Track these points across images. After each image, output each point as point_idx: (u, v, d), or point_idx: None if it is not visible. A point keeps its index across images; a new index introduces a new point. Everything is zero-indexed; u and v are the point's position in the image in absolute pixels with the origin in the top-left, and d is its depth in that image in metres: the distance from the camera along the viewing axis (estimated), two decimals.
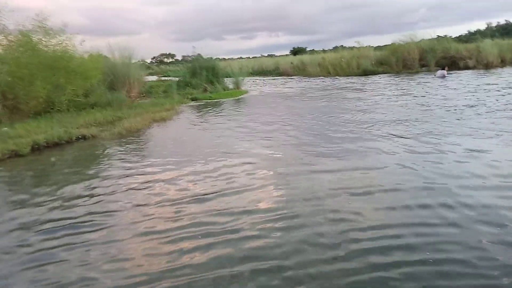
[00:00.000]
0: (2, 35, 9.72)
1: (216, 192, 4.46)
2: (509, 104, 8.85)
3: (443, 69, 18.74)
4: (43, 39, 10.14)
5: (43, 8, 10.20)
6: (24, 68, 9.48)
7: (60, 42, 10.42)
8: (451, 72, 19.48)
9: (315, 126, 8.18)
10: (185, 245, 3.27)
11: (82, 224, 3.82)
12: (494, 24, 53.76)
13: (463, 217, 3.44)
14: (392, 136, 6.62)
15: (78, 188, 4.93)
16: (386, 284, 2.60)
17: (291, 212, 3.80)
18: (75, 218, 3.97)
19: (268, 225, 3.57)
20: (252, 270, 2.84)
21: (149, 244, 3.34)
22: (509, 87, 11.78)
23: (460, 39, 33.77)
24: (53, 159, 6.59)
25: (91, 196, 4.61)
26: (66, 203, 4.40)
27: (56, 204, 4.40)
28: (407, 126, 7.36)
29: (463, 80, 15.46)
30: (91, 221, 3.88)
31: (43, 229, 3.74)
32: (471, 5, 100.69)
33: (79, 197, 4.57)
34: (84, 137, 8.06)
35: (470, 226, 3.29)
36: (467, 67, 21.56)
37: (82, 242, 3.42)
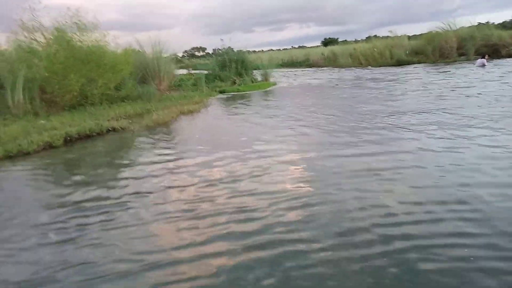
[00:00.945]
0: (39, 32, 10.17)
1: (242, 177, 4.67)
2: None
3: (483, 57, 17.76)
4: (77, 34, 10.52)
5: (80, 6, 10.52)
6: (58, 63, 9.89)
7: (93, 38, 10.78)
8: (491, 60, 18.45)
9: (342, 116, 8.05)
10: (209, 225, 3.45)
11: (113, 206, 4.05)
12: None
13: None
14: (420, 126, 6.38)
15: (109, 175, 5.20)
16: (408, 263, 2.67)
17: (318, 193, 3.99)
18: (108, 201, 4.20)
19: (294, 205, 3.74)
20: (276, 252, 2.94)
21: (176, 224, 3.53)
22: None
23: (504, 25, 31.67)
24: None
25: (122, 181, 4.87)
26: (98, 188, 4.61)
27: (89, 189, 4.62)
28: (437, 116, 7.05)
29: (504, 69, 14.59)
30: (122, 204, 4.11)
31: (76, 211, 3.99)
32: None
33: (110, 183, 4.79)
34: (114, 129, 8.32)
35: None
36: (510, 55, 20.31)
37: (112, 223, 3.66)
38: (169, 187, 4.53)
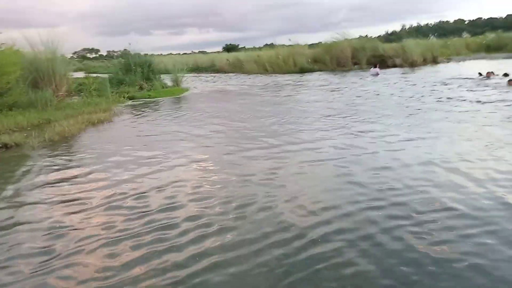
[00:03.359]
0: None
1: (158, 189, 4.40)
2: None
3: (375, 67, 19.64)
4: None
5: None
6: None
7: None
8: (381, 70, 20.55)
9: (259, 123, 8.05)
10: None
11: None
12: (407, 26, 58.75)
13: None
14: (334, 127, 6.56)
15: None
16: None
17: (229, 199, 4.03)
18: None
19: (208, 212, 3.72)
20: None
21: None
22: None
23: (379, 39, 35.92)
24: None
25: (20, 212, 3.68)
26: None
27: None
28: (349, 118, 7.33)
29: (394, 77, 16.34)
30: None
31: None
32: (388, 8, 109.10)
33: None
34: (6, 146, 6.72)
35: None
36: (394, 65, 22.93)
37: None
38: (78, 210, 3.75)
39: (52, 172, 5.27)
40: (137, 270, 2.75)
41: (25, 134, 7.43)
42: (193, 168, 5.18)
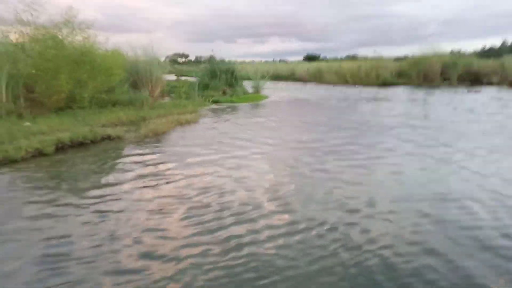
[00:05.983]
0: (30, 27, 9.31)
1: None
2: None
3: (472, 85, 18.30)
4: (71, 33, 9.78)
5: (61, 2, 9.84)
6: (49, 61, 9.12)
7: (87, 38, 10.08)
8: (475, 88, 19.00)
9: (337, 136, 8.02)
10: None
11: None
12: (510, 41, 52.74)
13: None
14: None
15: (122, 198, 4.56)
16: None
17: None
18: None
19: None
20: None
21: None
22: None
23: (474, 54, 33.03)
24: None
25: (120, 199, 4.26)
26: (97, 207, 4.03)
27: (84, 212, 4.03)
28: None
29: (487, 97, 15.01)
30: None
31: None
32: (487, 21, 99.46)
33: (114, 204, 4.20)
34: (109, 138, 7.68)
35: None
36: (490, 84, 21.07)
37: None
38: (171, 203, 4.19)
39: (144, 157, 6.11)
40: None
41: (124, 129, 8.40)
42: (262, 163, 6.01)
